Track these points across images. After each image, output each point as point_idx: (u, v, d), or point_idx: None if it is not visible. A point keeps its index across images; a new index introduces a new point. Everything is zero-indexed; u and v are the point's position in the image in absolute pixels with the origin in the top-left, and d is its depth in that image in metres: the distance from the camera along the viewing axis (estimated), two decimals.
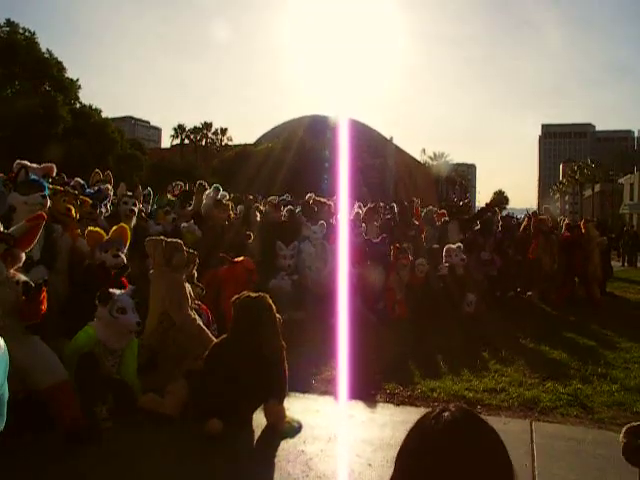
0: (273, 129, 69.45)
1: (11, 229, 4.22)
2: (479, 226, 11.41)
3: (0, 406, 1.44)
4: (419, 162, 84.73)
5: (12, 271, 4.04)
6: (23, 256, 4.14)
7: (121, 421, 4.42)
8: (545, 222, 11.73)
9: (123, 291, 4.81)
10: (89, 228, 5.99)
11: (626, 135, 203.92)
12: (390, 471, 1.47)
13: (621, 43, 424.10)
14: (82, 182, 7.68)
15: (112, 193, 7.80)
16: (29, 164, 6.08)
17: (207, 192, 8.97)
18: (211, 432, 4.25)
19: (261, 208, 10.19)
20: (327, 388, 5.53)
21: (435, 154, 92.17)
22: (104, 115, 46.59)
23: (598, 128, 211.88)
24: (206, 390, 4.44)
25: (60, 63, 43.21)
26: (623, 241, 25.17)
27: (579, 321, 9.22)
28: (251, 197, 11.39)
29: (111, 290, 4.70)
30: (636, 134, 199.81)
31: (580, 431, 4.66)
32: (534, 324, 8.68)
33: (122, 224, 6.15)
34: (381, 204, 13.11)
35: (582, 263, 11.56)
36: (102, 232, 5.88)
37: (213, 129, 71.44)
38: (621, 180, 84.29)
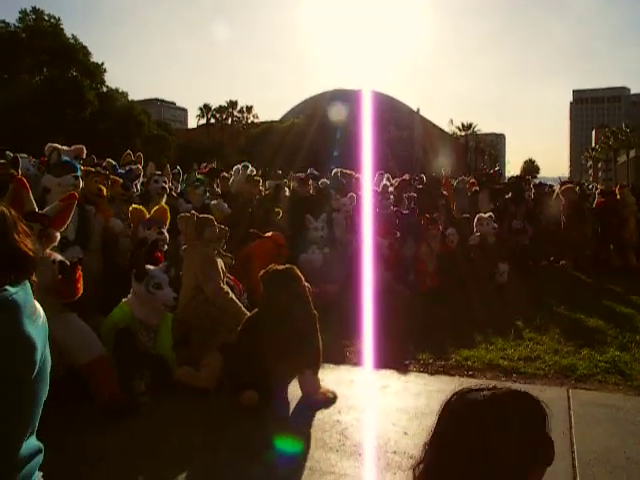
0: (298, 105, 69.29)
1: (45, 209, 4.29)
2: (510, 195, 11.23)
3: (43, 372, 1.48)
4: (447, 133, 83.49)
5: (48, 251, 4.12)
6: (58, 235, 4.21)
7: (158, 394, 4.50)
8: (572, 190, 11.50)
9: (158, 267, 4.87)
10: (133, 206, 6.13)
11: None
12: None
13: None
14: (114, 163, 7.79)
15: (142, 173, 7.90)
16: (60, 147, 6.19)
17: (234, 169, 9.02)
18: (247, 403, 4.31)
19: (289, 183, 10.19)
20: (360, 359, 5.54)
21: (463, 125, 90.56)
22: (130, 98, 46.97)
23: (633, 91, 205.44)
24: (241, 363, 4.49)
25: (85, 48, 43.58)
26: None
27: (615, 289, 9.04)
28: (279, 172, 11.39)
29: (147, 266, 4.77)
30: None
31: (618, 398, 4.60)
32: (568, 292, 8.54)
33: (162, 204, 6.30)
34: (409, 175, 13.03)
35: (617, 230, 11.32)
36: (145, 210, 6.00)
37: (238, 107, 71.46)
38: None
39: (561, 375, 5.12)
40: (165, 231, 5.93)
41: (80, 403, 4.20)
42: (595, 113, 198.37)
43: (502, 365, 5.31)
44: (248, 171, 9.02)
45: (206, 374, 4.70)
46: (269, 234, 7.23)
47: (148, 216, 5.96)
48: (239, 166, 9.30)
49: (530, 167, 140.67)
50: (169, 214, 6.14)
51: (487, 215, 9.03)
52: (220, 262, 5.46)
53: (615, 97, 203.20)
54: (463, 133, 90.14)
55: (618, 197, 11.68)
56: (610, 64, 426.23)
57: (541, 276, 9.86)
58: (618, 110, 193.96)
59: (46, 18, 42.59)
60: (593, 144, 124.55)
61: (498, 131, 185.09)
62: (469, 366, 5.32)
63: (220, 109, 71.27)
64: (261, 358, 4.40)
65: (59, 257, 4.18)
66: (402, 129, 55.56)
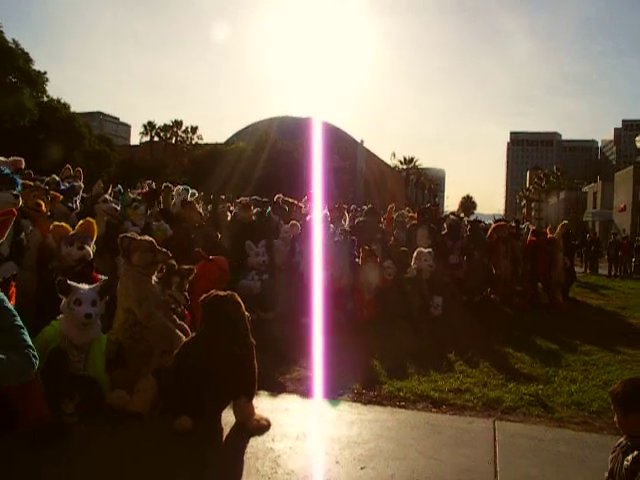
0: (244, 129, 69.26)
1: None
2: (446, 230, 11.59)
3: None
4: (389, 166, 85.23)
5: None
6: None
7: (88, 418, 4.39)
8: (503, 228, 12.02)
9: (88, 285, 4.79)
10: (54, 223, 5.97)
11: (590, 145, 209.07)
12: (357, 468, 1.51)
13: (584, 57, 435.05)
14: (58, 179, 7.61)
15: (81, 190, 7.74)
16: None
17: (176, 190, 8.95)
18: (180, 429, 4.27)
19: (231, 208, 10.20)
20: (296, 387, 5.57)
21: (405, 158, 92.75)
22: (72, 110, 45.74)
23: (564, 137, 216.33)
24: (175, 387, 4.45)
25: (27, 54, 42.28)
26: (585, 248, 25.78)
27: (542, 325, 9.44)
28: (223, 197, 11.37)
29: (70, 282, 4.68)
30: (600, 144, 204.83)
31: (541, 430, 4.80)
32: (499, 327, 8.88)
33: (88, 218, 6.13)
34: (352, 206, 13.24)
35: (546, 268, 11.86)
36: (67, 226, 5.86)
37: (183, 127, 70.87)
38: (585, 188, 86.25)
39: (488, 407, 5.29)
40: (89, 246, 5.76)
41: (5, 423, 4.04)
42: (530, 155, 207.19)
43: (433, 396, 5.45)
44: (188, 195, 8.95)
45: (139, 398, 4.62)
46: (213, 257, 7.22)
47: (72, 232, 5.83)
48: (179, 187, 9.21)
49: (467, 203, 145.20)
50: (111, 233, 6.05)
51: (427, 251, 9.30)
52: (155, 287, 5.41)
53: (548, 141, 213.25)
54: (405, 167, 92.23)
55: (549, 237, 12.27)
56: (545, 110, 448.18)
57: (474, 310, 10.18)
58: (550, 154, 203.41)
59: None
60: (527, 184, 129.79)
61: (438, 166, 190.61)
62: (401, 397, 5.42)
63: (165, 128, 70.48)
64: (196, 383, 4.37)
65: None
66: (346, 159, 56.37)
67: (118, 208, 7.42)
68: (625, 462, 2.62)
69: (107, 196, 7.52)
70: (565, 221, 14.08)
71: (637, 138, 29.58)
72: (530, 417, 5.12)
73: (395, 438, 4.46)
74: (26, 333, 2.18)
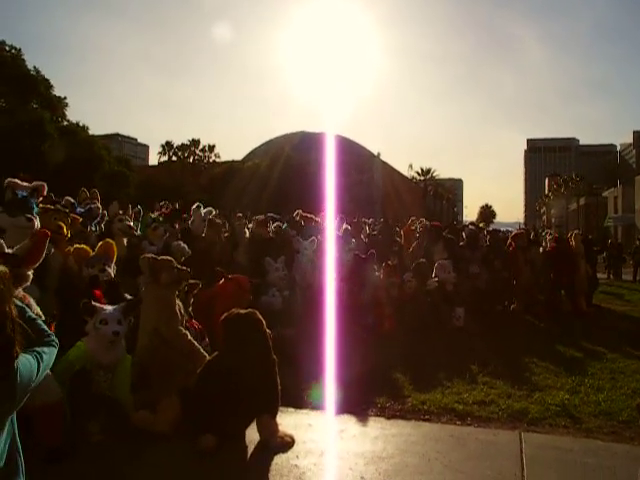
0: (261, 146, 69.82)
1: (15, 248, 4.25)
2: (465, 240, 11.53)
3: None
4: (406, 177, 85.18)
5: (21, 292, 4.05)
6: (30, 275, 4.17)
7: (114, 439, 4.43)
8: (522, 237, 11.92)
9: (113, 306, 4.84)
10: (75, 245, 6.04)
11: (609, 149, 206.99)
12: None
13: (599, 61, 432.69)
14: (72, 201, 7.72)
15: (104, 212, 7.86)
16: (18, 182, 6.09)
17: (193, 209, 9.03)
18: (204, 448, 4.28)
19: (249, 225, 10.26)
20: (319, 403, 5.56)
21: (422, 169, 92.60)
22: (91, 132, 46.53)
23: (582, 142, 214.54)
24: (199, 406, 4.48)
25: (47, 80, 43.27)
26: (608, 253, 25.42)
27: (566, 333, 9.31)
28: (240, 215, 11.44)
29: (94, 303, 4.74)
30: (619, 148, 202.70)
31: (568, 441, 4.73)
32: (521, 337, 8.78)
33: (107, 239, 6.21)
34: (369, 220, 13.26)
35: (569, 276, 11.72)
36: (88, 248, 5.94)
37: (201, 146, 71.41)
38: (605, 193, 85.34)
39: (514, 419, 5.24)
40: (110, 267, 5.83)
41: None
42: (547, 162, 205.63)
43: (457, 409, 5.40)
44: (206, 212, 9.03)
45: (163, 418, 4.65)
46: (233, 276, 7.24)
47: (92, 254, 5.90)
48: (195, 205, 9.28)
49: (487, 212, 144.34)
50: (129, 254, 6.11)
51: (447, 262, 9.26)
52: (179, 305, 5.45)
53: (566, 147, 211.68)
54: (422, 178, 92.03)
55: (572, 244, 12.15)
56: (561, 116, 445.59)
57: (496, 320, 10.09)
58: (568, 159, 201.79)
59: (7, 48, 42.24)
60: (546, 191, 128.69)
61: (456, 176, 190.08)
62: (425, 410, 5.39)
63: (182, 147, 71.06)
64: (220, 402, 4.39)
65: (32, 302, 4.13)
66: (362, 173, 56.48)
67: (132, 225, 7.50)
68: None
69: (121, 214, 7.61)
70: (576, 231, 13.92)
71: None
72: (557, 428, 5.05)
73: (420, 452, 4.43)
74: (41, 322, 2.33)
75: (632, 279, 22.78)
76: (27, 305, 3.83)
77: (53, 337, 2.34)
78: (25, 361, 2.10)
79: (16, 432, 2.18)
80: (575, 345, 8.33)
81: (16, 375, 2.03)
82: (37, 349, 2.20)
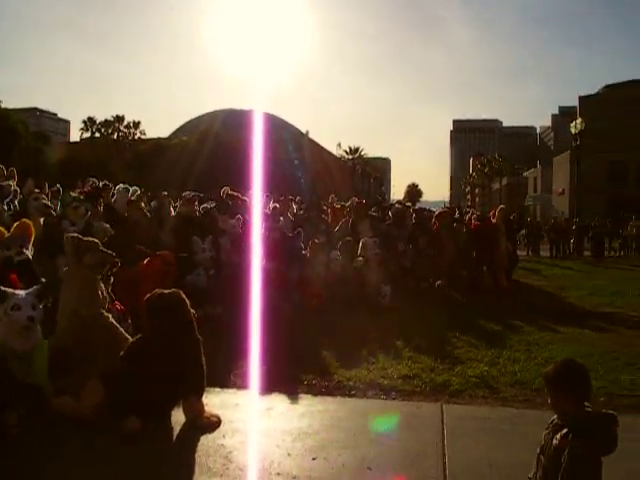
0: (187, 123, 68.18)
1: None
2: (392, 219, 11.73)
3: None
4: (335, 156, 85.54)
5: None
6: None
7: (34, 427, 4.27)
8: (445, 215, 12.27)
9: (27, 289, 4.63)
10: None
11: (530, 131, 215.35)
12: (309, 459, 1.51)
13: (523, 46, 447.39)
14: None
15: (17, 190, 7.48)
16: None
17: (117, 189, 8.75)
18: (129, 431, 4.18)
19: (175, 204, 10.05)
20: (245, 382, 5.54)
21: (350, 148, 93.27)
22: (4, 106, 44.06)
23: (505, 124, 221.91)
24: (123, 389, 4.37)
25: None
26: (527, 231, 26.55)
27: (487, 308, 9.68)
28: (165, 193, 11.17)
29: (4, 288, 4.52)
30: (538, 130, 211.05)
31: (486, 410, 4.95)
32: (445, 312, 9.05)
33: (24, 219, 5.94)
34: (297, 198, 13.26)
35: (490, 253, 12.16)
36: (3, 229, 5.66)
37: (125, 122, 69.08)
38: (526, 174, 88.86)
39: (436, 391, 5.41)
40: (27, 249, 5.59)
41: None
42: (472, 142, 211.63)
43: (382, 384, 5.52)
44: (129, 194, 8.78)
45: (86, 403, 4.50)
46: (157, 253, 7.09)
47: (7, 234, 5.63)
48: (120, 186, 9.00)
49: (413, 191, 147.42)
50: (46, 234, 5.86)
51: (372, 240, 9.39)
52: (101, 287, 5.29)
53: (489, 128, 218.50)
54: (350, 157, 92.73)
55: (494, 221, 12.58)
56: (486, 97, 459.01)
57: (421, 297, 10.35)
58: (492, 140, 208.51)
59: None
60: (471, 171, 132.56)
61: (384, 155, 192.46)
62: (351, 386, 5.48)
63: (106, 123, 68.54)
64: (144, 384, 4.30)
65: None
66: (292, 151, 56.27)
67: (49, 204, 7.19)
68: (554, 440, 2.70)
69: (37, 193, 7.29)
70: (502, 206, 14.45)
71: (572, 124, 30.55)
72: (476, 399, 5.26)
73: (346, 427, 4.50)
74: None
75: (549, 255, 23.93)
76: None
77: None
78: None
79: None
80: (495, 319, 8.67)
81: None
82: None
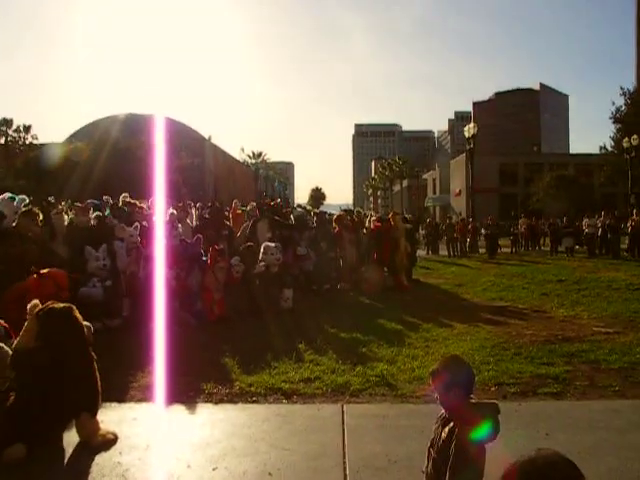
0: (84, 127, 65.31)
1: None
2: (293, 222, 11.82)
3: None
4: (238, 161, 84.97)
5: None
6: None
7: None
8: (344, 218, 12.54)
9: None
10: None
11: (428, 135, 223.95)
12: (209, 470, 1.46)
13: (420, 54, 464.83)
14: None
15: None
16: None
17: (2, 197, 8.20)
18: (13, 459, 3.92)
19: (68, 213, 9.58)
20: (144, 395, 5.38)
21: (254, 153, 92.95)
22: None
23: (404, 128, 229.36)
24: (6, 413, 4.10)
25: None
26: (426, 232, 27.58)
27: (388, 307, 9.97)
28: (51, 200, 10.55)
29: None
30: (436, 134, 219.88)
31: (385, 407, 5.07)
32: (348, 314, 9.22)
33: None
34: (198, 204, 13.04)
35: (390, 253, 12.53)
36: None
37: (14, 126, 65.17)
38: (425, 176, 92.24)
39: (337, 392, 5.48)
40: None
41: None
42: (374, 145, 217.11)
43: (284, 388, 5.53)
44: (18, 201, 8.23)
45: None
46: (49, 271, 6.69)
47: None
48: (6, 195, 8.40)
49: (317, 195, 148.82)
50: None
51: (273, 245, 9.40)
52: None
53: (390, 132, 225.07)
54: (254, 161, 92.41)
55: (392, 223, 12.97)
56: (386, 103, 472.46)
57: (323, 300, 10.49)
58: (393, 144, 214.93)
59: None
60: (373, 174, 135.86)
61: (288, 160, 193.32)
62: (253, 392, 5.45)
63: None
64: (30, 405, 4.07)
65: None
66: (194, 156, 55.27)
67: None
68: (443, 434, 2.83)
69: None
70: (395, 210, 15.00)
71: (465, 128, 32.02)
72: (376, 397, 5.38)
73: (247, 434, 4.48)
74: None
75: (447, 254, 24.94)
76: None
77: None
78: None
79: None
80: (396, 318, 8.93)
81: None
82: None
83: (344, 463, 3.97)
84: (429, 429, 4.15)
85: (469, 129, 31.22)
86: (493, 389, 5.51)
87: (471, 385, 2.94)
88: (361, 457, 4.04)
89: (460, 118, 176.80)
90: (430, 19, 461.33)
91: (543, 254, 25.12)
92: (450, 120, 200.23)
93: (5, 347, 4.83)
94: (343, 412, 4.93)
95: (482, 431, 2.76)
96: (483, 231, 27.79)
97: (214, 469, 3.91)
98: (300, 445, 4.27)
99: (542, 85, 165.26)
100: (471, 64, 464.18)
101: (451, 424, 2.79)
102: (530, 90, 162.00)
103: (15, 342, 4.52)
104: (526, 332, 7.98)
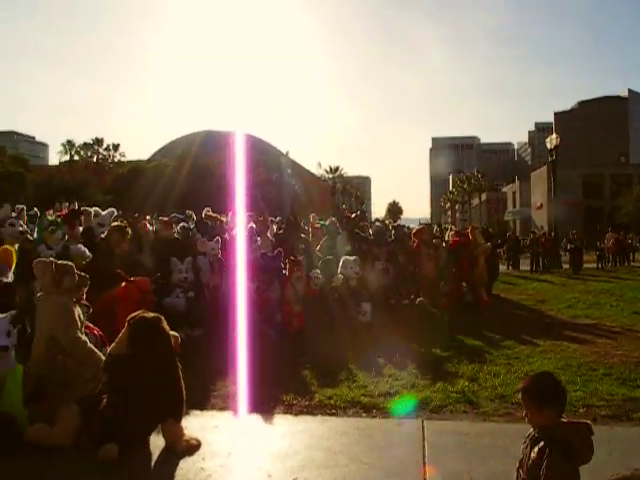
0: (167, 145, 68.18)
1: None
2: (372, 237, 11.80)
3: None
4: (315, 175, 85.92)
5: None
6: None
7: (7, 457, 4.19)
8: (423, 232, 12.37)
9: (1, 315, 4.58)
10: None
11: (507, 147, 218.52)
12: None
13: (496, 63, 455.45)
14: None
15: None
16: None
17: (94, 212, 8.66)
18: (106, 458, 4.12)
19: (149, 226, 9.96)
20: (226, 403, 5.52)
21: (331, 167, 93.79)
22: None
23: (483, 141, 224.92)
24: (101, 414, 4.31)
25: None
26: (507, 246, 26.80)
27: (468, 323, 9.74)
28: (136, 216, 11.08)
29: None
30: (516, 146, 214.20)
31: (466, 425, 4.96)
32: (426, 329, 9.09)
33: (6, 246, 5.90)
34: (277, 218, 13.27)
35: (469, 268, 12.27)
36: None
37: (105, 145, 68.85)
38: (504, 189, 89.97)
39: (417, 408, 5.41)
40: (6, 277, 5.56)
41: None
42: (451, 159, 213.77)
43: (363, 402, 5.52)
44: (108, 213, 8.70)
45: (61, 429, 4.43)
46: (134, 279, 7.04)
47: None
48: (97, 209, 8.87)
49: (394, 209, 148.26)
50: (21, 258, 5.82)
51: (352, 259, 9.42)
52: (78, 310, 5.23)
53: (468, 145, 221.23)
54: (331, 175, 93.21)
55: (470, 238, 12.71)
56: (464, 116, 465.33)
57: (402, 314, 10.38)
58: (470, 157, 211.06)
59: None
60: (450, 187, 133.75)
61: (364, 174, 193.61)
62: (332, 405, 5.46)
63: (85, 146, 68.26)
64: (122, 409, 4.26)
65: None
66: (272, 172, 56.37)
67: (22, 229, 7.13)
68: (532, 454, 2.69)
69: (13, 218, 7.22)
70: (473, 224, 14.66)
71: (547, 139, 30.99)
72: (457, 414, 5.27)
73: (326, 446, 4.48)
74: None
75: (529, 269, 24.12)
76: None
77: None
78: None
79: None
80: (476, 334, 8.73)
81: None
82: None
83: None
84: (513, 449, 4.02)
85: (551, 140, 30.17)
86: (581, 411, 5.26)
87: (564, 404, 2.82)
88: (442, 475, 3.97)
89: (541, 129, 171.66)
90: (507, 27, 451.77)
91: (633, 270, 23.84)
92: (530, 132, 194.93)
93: (99, 353, 5.08)
94: (423, 428, 4.86)
95: (575, 453, 2.64)
96: (568, 246, 26.68)
97: (294, 479, 3.94)
98: (379, 460, 4.23)
99: (631, 92, 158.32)
100: (552, 73, 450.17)
101: (541, 444, 2.68)
102: (617, 98, 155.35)
103: (109, 349, 4.75)
104: (616, 352, 7.59)
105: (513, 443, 4.30)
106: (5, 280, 5.56)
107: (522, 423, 4.79)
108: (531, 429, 2.84)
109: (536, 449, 2.67)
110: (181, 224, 9.56)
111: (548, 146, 30.71)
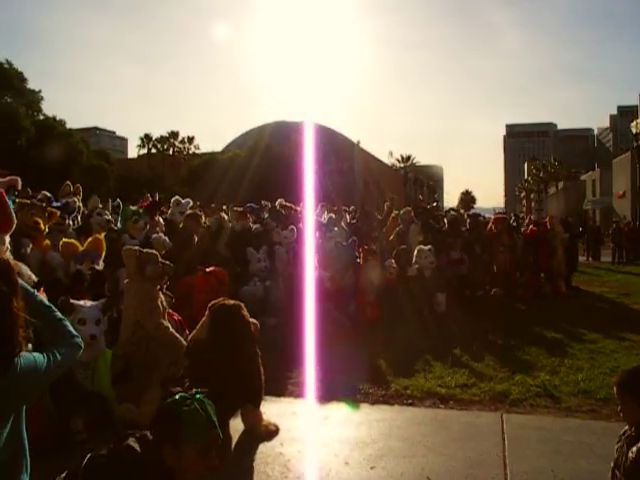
0: (240, 136, 69.27)
1: None
2: (446, 226, 11.61)
3: None
4: (387, 165, 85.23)
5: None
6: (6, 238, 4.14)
7: (98, 434, 4.41)
8: (501, 221, 12.03)
9: (92, 303, 4.81)
10: (63, 239, 5.99)
11: (586, 133, 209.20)
12: (367, 468, 1.47)
13: (575, 46, 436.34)
14: (49, 195, 7.65)
15: (80, 206, 7.79)
16: None
17: (173, 201, 8.97)
18: None
19: (224, 216, 10.19)
20: (302, 391, 5.60)
21: (402, 157, 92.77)
22: (68, 126, 45.82)
23: (560, 127, 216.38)
24: None
25: (21, 74, 42.37)
26: (587, 236, 25.72)
27: (546, 315, 9.44)
28: (212, 206, 11.38)
29: (73, 301, 4.71)
30: (595, 132, 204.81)
31: (548, 420, 4.83)
32: (503, 320, 8.88)
33: (97, 235, 6.17)
34: (350, 208, 13.29)
35: (547, 258, 11.87)
36: (77, 244, 5.89)
37: (180, 138, 70.87)
38: (583, 177, 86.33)
39: (496, 400, 5.31)
40: (98, 265, 5.82)
41: None
42: (526, 146, 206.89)
43: (440, 393, 5.47)
44: (185, 204, 8.99)
45: (148, 410, 4.62)
46: (211, 269, 7.22)
47: (81, 249, 5.86)
48: (178, 198, 9.21)
49: (467, 198, 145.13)
50: (109, 247, 6.07)
51: (427, 248, 9.32)
52: (161, 297, 5.43)
53: (544, 132, 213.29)
54: (402, 165, 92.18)
55: (549, 227, 12.29)
56: (539, 101, 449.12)
57: (477, 305, 10.18)
58: (547, 143, 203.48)
59: None
60: (525, 176, 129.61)
61: (437, 163, 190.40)
62: (408, 395, 5.45)
63: (161, 139, 70.45)
64: (204, 392, 4.39)
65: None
66: (343, 161, 56.32)
67: (109, 219, 7.46)
68: (630, 454, 2.54)
69: (100, 208, 7.57)
70: (551, 214, 14.11)
71: (632, 124, 29.38)
72: (538, 408, 5.14)
73: (403, 436, 4.48)
74: (68, 324, 2.28)
75: (611, 261, 23.09)
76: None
77: (77, 339, 2.28)
78: (30, 358, 2.03)
79: (23, 429, 2.12)
80: (555, 327, 8.45)
81: (14, 372, 1.97)
82: (53, 349, 2.15)
83: (505, 474, 3.84)
84: (600, 448, 3.90)
85: (637, 124, 28.63)
86: None
87: None
88: (524, 470, 3.88)
89: (624, 113, 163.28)
90: (584, 7, 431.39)
91: None
92: (612, 116, 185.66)
93: (180, 338, 5.26)
94: (503, 421, 4.77)
95: None
96: None
97: (372, 468, 3.96)
98: (458, 451, 4.19)
99: None
100: (635, 53, 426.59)
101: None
102: None
103: (190, 334, 4.91)
104: None
105: (599, 441, 4.19)
106: (97, 267, 5.81)
107: (608, 421, 4.68)
108: (626, 427, 2.71)
109: (634, 449, 2.53)
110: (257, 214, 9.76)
111: (633, 130, 29.17)
